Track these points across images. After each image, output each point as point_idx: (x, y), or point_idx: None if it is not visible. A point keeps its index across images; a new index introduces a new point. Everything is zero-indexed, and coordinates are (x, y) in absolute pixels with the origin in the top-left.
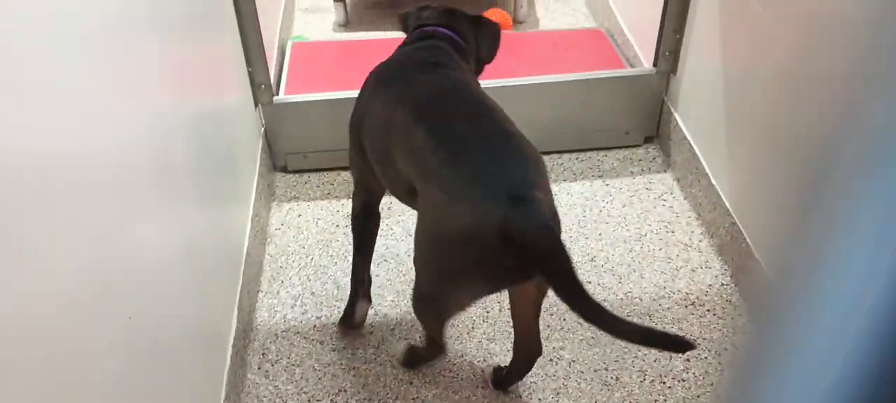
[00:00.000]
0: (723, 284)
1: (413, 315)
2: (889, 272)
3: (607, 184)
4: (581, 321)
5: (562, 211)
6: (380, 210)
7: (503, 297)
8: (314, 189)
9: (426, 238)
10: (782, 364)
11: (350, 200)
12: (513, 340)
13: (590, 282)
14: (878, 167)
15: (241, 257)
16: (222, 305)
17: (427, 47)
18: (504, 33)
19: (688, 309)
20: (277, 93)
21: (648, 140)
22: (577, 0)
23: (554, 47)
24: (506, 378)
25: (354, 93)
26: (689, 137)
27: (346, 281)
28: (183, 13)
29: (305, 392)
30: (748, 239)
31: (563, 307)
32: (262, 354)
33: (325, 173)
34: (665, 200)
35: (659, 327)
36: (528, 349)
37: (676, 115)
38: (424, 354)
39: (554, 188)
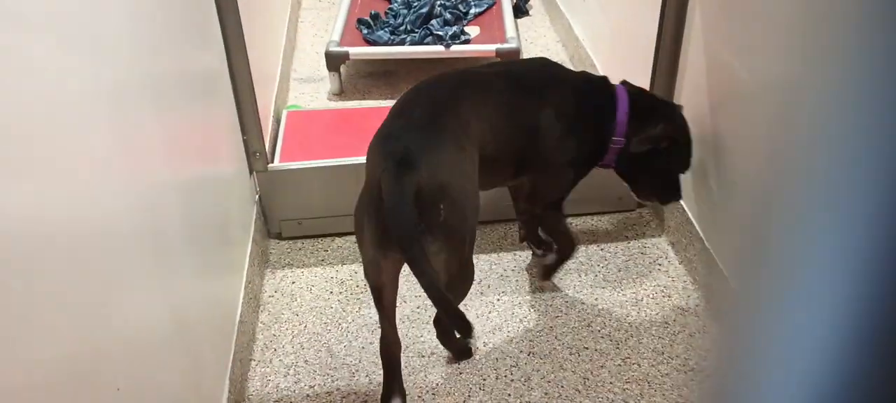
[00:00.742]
0: None
1: (408, 384)
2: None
3: (602, 249)
4: (578, 388)
5: (557, 277)
6: None
7: (500, 366)
8: (308, 255)
9: None
10: (753, 370)
11: (343, 266)
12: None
13: (587, 348)
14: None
15: (234, 325)
16: (214, 374)
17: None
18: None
19: (687, 374)
20: (272, 161)
21: (641, 205)
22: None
23: None
24: None
25: (349, 161)
26: (681, 202)
27: (339, 348)
28: (178, 84)
29: None
30: None
31: (562, 375)
32: None
33: (320, 239)
34: (661, 264)
35: (658, 395)
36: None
37: None
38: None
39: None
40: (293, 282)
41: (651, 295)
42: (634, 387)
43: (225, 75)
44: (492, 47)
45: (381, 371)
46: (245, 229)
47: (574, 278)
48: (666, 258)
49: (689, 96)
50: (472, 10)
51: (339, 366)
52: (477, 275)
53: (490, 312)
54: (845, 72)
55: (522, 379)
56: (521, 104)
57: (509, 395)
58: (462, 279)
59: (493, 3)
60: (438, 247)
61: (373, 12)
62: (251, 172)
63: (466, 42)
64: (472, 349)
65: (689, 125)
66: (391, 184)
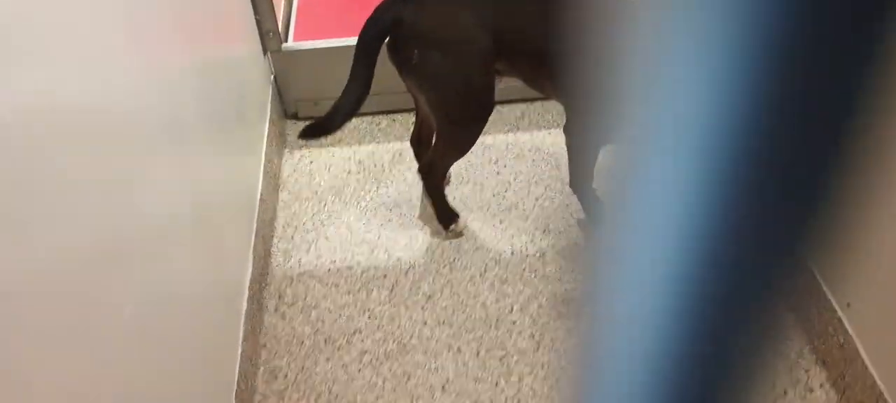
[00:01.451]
0: None
1: (426, 259)
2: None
3: None
4: None
5: None
6: (391, 156)
7: (516, 242)
8: (325, 136)
9: None
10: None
11: (361, 146)
12: None
13: None
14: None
15: (255, 204)
16: (237, 250)
17: None
18: None
19: None
20: (286, 41)
21: None
22: None
23: None
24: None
25: None
26: None
27: (358, 226)
28: None
29: (321, 333)
30: None
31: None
32: (278, 297)
33: None
34: None
35: None
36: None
37: None
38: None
39: None
40: (311, 162)
41: None
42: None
43: None
44: None
45: (400, 248)
46: (261, 110)
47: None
48: None
49: None
50: None
51: (358, 243)
52: (493, 155)
53: (506, 191)
54: None
55: (537, 255)
56: None
57: (524, 270)
58: (444, 140)
59: None
60: (410, 86)
61: None
62: (265, 52)
63: None
64: (456, 231)
65: None
66: (385, 3)
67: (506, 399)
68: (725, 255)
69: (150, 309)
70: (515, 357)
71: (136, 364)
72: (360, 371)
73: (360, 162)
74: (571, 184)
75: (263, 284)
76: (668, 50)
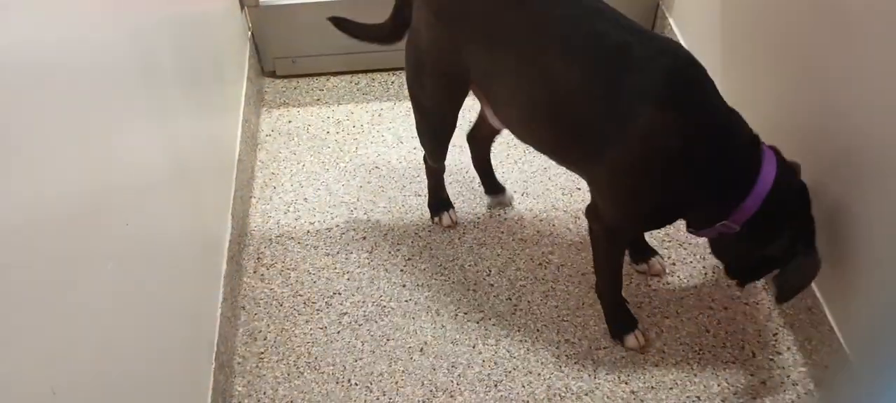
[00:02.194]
0: None
1: (405, 222)
2: None
3: None
4: (570, 227)
5: None
6: (370, 116)
7: (496, 214)
8: (303, 94)
9: None
10: None
11: (340, 106)
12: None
13: (579, 188)
14: None
15: (233, 163)
16: (216, 210)
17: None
18: None
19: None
20: None
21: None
22: None
23: None
24: None
25: None
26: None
27: (337, 187)
28: None
29: (300, 295)
30: None
31: (555, 214)
32: (257, 258)
33: (315, 78)
34: None
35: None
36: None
37: (671, 20)
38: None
39: None
40: (290, 121)
41: None
42: None
43: None
44: None
45: (379, 210)
46: (239, 67)
47: None
48: None
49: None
50: None
51: (337, 204)
52: (472, 118)
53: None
54: None
55: (515, 218)
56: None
57: (502, 233)
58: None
59: None
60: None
61: None
62: (242, 8)
63: None
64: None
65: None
66: None
67: (483, 361)
68: None
69: (132, 266)
70: (492, 321)
71: (118, 323)
72: (339, 333)
73: (338, 121)
74: (596, 288)
75: (242, 246)
76: None
